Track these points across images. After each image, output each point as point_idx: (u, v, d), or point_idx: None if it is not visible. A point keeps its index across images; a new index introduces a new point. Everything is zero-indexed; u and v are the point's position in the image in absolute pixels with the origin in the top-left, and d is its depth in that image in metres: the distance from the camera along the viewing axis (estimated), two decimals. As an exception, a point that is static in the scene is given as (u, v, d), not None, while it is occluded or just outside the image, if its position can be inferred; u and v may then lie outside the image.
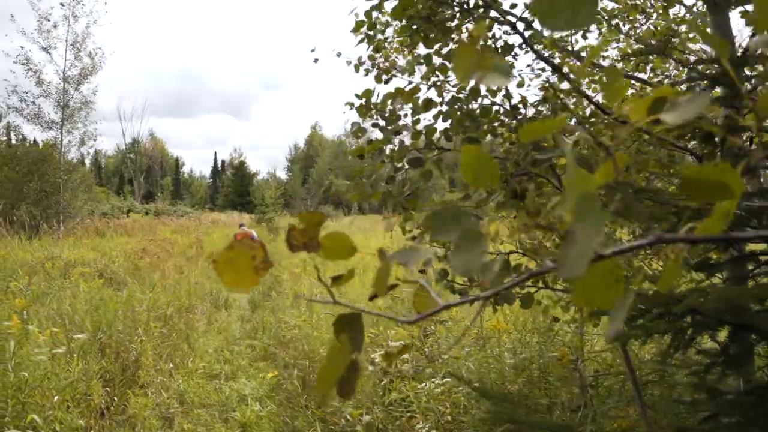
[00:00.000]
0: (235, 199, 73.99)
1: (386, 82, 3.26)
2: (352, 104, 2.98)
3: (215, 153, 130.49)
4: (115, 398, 4.61)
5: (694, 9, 3.69)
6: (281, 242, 17.25)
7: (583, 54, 3.62)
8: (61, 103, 18.08)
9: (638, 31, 4.11)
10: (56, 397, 3.75)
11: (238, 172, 79.94)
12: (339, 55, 3.95)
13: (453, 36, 3.01)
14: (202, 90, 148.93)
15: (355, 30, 3.35)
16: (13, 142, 24.17)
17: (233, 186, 77.27)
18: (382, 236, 20.62)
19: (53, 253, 10.05)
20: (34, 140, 18.58)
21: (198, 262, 12.31)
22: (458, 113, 2.72)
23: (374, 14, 3.23)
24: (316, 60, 4.02)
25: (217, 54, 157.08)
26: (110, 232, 17.99)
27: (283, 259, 13.09)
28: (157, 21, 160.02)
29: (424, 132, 2.76)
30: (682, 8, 3.88)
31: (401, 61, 3.50)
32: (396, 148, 2.81)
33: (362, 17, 3.25)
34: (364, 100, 2.89)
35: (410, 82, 3.02)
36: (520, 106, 2.81)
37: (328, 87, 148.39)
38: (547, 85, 3.21)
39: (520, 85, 3.26)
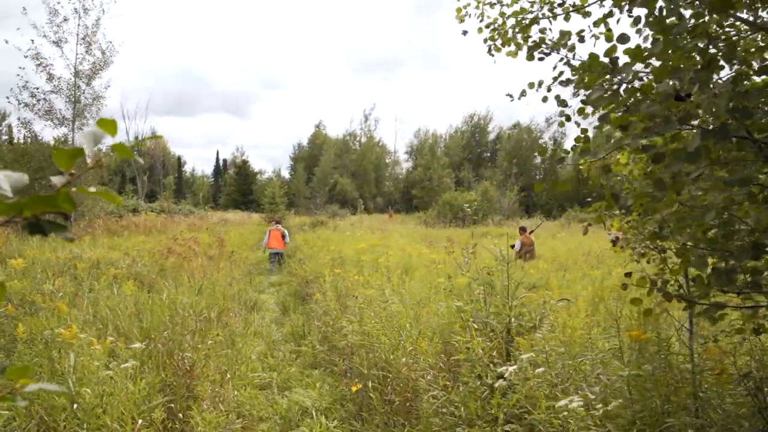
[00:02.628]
0: (238, 198, 73.60)
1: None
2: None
3: (217, 152, 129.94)
4: (180, 414, 4.17)
5: None
6: (306, 241, 16.81)
7: None
8: (73, 99, 17.66)
9: None
10: (140, 421, 3.31)
11: (240, 171, 79.49)
12: (465, 33, 3.54)
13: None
14: (202, 89, 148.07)
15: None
16: (16, 139, 23.77)
17: (236, 185, 76.83)
18: (399, 235, 20.25)
19: (75, 253, 9.60)
20: (35, 136, 17.92)
21: (220, 262, 11.86)
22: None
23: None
24: (464, 32, 3.66)
25: (218, 53, 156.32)
26: (124, 231, 17.56)
27: (309, 260, 12.65)
28: (158, 20, 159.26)
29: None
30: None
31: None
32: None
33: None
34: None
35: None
36: None
37: (329, 86, 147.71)
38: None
39: None
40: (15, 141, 23.78)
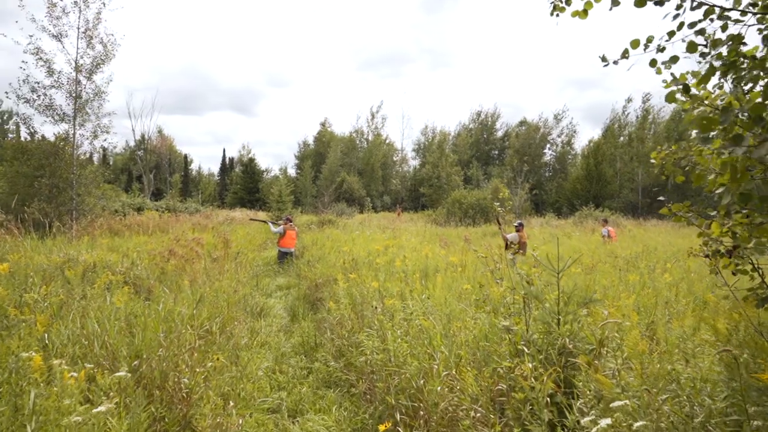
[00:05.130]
0: (244, 196, 73.11)
1: None
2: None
3: (224, 150, 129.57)
4: (172, 459, 3.49)
5: None
6: (315, 241, 16.16)
7: None
8: (74, 94, 17.05)
9: None
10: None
11: (247, 169, 79.01)
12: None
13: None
14: (208, 87, 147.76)
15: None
16: (20, 136, 23.26)
17: (242, 183, 76.32)
18: (410, 234, 19.53)
19: (70, 255, 8.94)
20: (35, 132, 17.32)
21: (225, 263, 11.19)
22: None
23: None
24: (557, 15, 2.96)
25: (224, 51, 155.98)
26: (126, 230, 16.93)
27: (319, 261, 11.97)
28: (164, 19, 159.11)
29: None
30: None
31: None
32: None
33: None
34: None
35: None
36: None
37: (335, 84, 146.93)
38: None
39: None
40: (19, 138, 23.32)
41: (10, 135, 49.91)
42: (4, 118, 59.06)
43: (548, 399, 3.18)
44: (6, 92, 17.06)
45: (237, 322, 7.08)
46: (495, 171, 71.43)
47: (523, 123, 78.32)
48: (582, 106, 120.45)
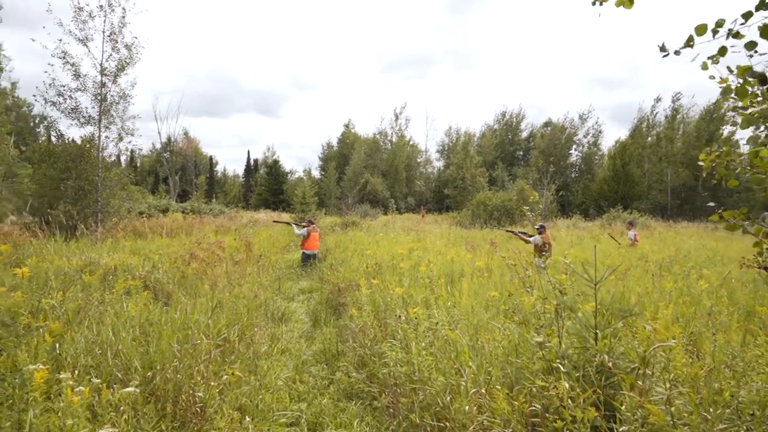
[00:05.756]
0: (269, 197, 73.44)
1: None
2: None
3: (248, 152, 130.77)
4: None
5: None
6: (338, 243, 15.98)
7: None
8: (99, 97, 17.17)
9: None
10: None
11: (271, 170, 79.40)
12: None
13: None
14: (234, 90, 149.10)
15: None
16: (50, 139, 23.59)
17: (267, 184, 76.69)
18: (435, 237, 19.24)
19: (92, 259, 8.88)
20: (72, 139, 17.57)
21: (247, 267, 11.06)
22: None
23: None
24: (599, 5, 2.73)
25: (249, 54, 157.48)
26: (150, 232, 16.96)
27: (342, 265, 11.76)
28: (190, 23, 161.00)
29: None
30: None
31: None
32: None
33: None
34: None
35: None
36: None
37: (358, 86, 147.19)
38: None
39: None
40: (49, 142, 23.76)
41: (42, 138, 50.78)
42: (36, 121, 60.17)
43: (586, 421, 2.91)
44: (34, 95, 17.28)
45: (257, 329, 6.90)
46: (520, 172, 70.67)
47: (548, 123, 77.37)
48: (608, 105, 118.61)
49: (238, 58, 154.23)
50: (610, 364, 3.34)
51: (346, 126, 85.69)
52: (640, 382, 3.04)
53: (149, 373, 4.15)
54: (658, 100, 64.31)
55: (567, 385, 3.03)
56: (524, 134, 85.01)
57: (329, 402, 5.18)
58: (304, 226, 14.90)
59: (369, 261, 10.69)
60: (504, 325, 4.65)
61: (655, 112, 62.68)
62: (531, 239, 11.74)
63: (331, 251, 15.53)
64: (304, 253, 14.51)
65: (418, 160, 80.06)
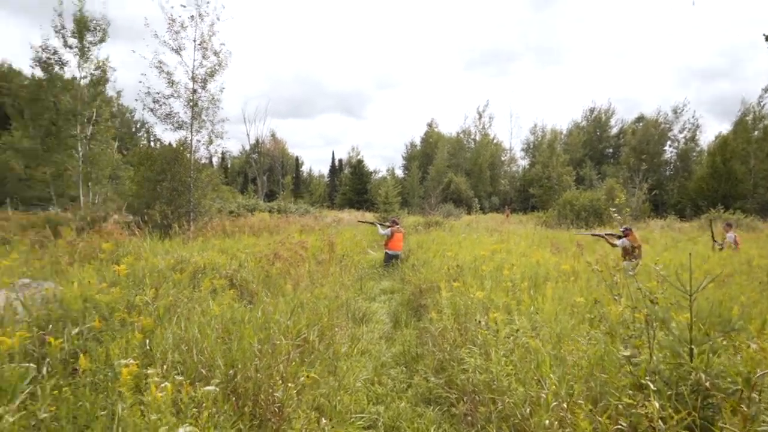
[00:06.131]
0: (353, 197, 74.60)
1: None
2: None
3: (333, 152, 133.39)
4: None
5: None
6: (420, 244, 15.95)
7: None
8: (191, 102, 18.07)
9: None
10: None
11: (355, 170, 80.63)
12: None
13: None
14: (318, 92, 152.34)
15: None
16: (149, 143, 25.25)
17: (351, 184, 77.96)
18: (519, 237, 18.79)
19: (182, 257, 9.31)
20: (170, 143, 18.69)
21: (330, 267, 11.22)
22: None
23: None
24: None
25: (333, 56, 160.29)
26: (238, 232, 17.61)
27: (424, 266, 11.70)
28: (276, 29, 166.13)
29: None
30: None
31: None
32: None
33: None
34: None
35: None
36: None
37: (441, 84, 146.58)
38: None
39: None
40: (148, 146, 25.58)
41: (141, 143, 54.10)
42: (137, 127, 64.18)
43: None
44: (136, 99, 18.45)
45: (338, 329, 6.97)
46: (609, 170, 67.77)
47: (640, 119, 73.80)
48: (706, 99, 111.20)
49: (323, 60, 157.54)
50: (707, 384, 3.08)
51: (429, 125, 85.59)
52: (744, 407, 2.78)
53: (231, 372, 4.27)
54: (767, 90, 58.97)
55: (657, 405, 2.83)
56: (614, 131, 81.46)
57: (407, 406, 5.13)
58: (388, 226, 14.96)
59: (450, 263, 10.56)
60: (589, 334, 4.42)
61: (762, 104, 57.53)
62: (618, 242, 11.08)
63: (413, 251, 15.50)
64: (387, 253, 14.56)
65: (502, 158, 78.68)
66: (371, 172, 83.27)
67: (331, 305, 7.41)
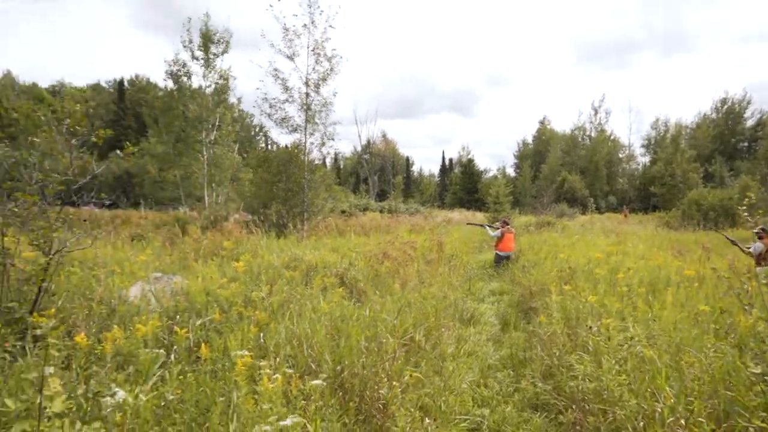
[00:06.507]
0: (463, 196, 74.21)
1: None
2: None
3: (443, 152, 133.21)
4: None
5: None
6: (531, 245, 15.59)
7: None
8: (304, 107, 18.85)
9: None
10: None
11: (465, 169, 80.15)
12: None
13: None
14: (428, 91, 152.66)
15: None
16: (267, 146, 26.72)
17: (461, 184, 77.60)
18: (638, 239, 17.77)
19: (296, 255, 9.73)
20: (286, 145, 19.68)
21: (438, 267, 11.25)
22: None
23: None
24: None
25: (443, 55, 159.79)
26: (349, 231, 18.10)
27: (534, 267, 11.42)
28: (386, 31, 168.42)
29: None
30: None
31: None
32: None
33: None
34: None
35: None
36: None
37: (554, 79, 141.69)
38: None
39: None
40: (266, 149, 27.23)
41: (259, 146, 57.14)
42: (255, 131, 67.80)
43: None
44: (253, 106, 19.65)
45: (444, 329, 6.97)
46: (744, 166, 62.15)
47: (782, 109, 67.02)
48: None
49: (432, 60, 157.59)
50: None
51: (542, 122, 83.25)
52: None
53: (338, 367, 4.41)
54: None
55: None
56: (750, 122, 74.53)
57: (513, 410, 5.04)
58: (497, 228, 14.73)
59: (562, 264, 10.23)
60: (713, 346, 4.10)
61: None
62: (751, 248, 9.99)
63: (523, 253, 15.16)
64: (497, 254, 14.34)
65: (620, 155, 74.74)
66: (482, 171, 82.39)
67: (438, 305, 7.42)
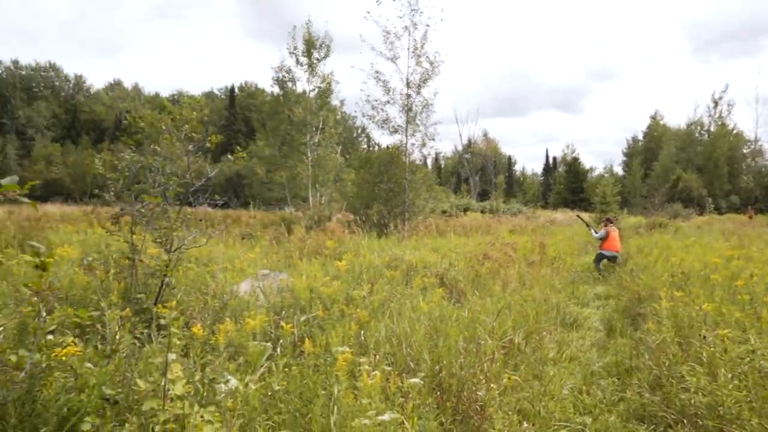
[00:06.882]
0: (568, 196, 71.94)
1: None
2: None
3: (546, 150, 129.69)
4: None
5: None
6: (640, 248, 14.86)
7: None
8: (405, 108, 19.07)
9: None
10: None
11: (570, 168, 77.59)
12: None
13: None
14: (530, 88, 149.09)
15: None
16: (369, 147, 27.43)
17: (565, 183, 75.25)
18: (763, 243, 16.37)
19: (396, 255, 9.89)
20: (387, 146, 20.07)
21: (541, 269, 11.00)
22: None
23: None
24: None
25: (546, 50, 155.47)
26: (449, 231, 18.09)
27: (644, 271, 10.87)
28: (486, 28, 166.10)
29: None
30: None
31: None
32: None
33: None
34: None
35: None
36: None
37: (666, 72, 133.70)
38: None
39: None
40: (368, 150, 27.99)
41: (361, 147, 58.34)
42: (357, 132, 69.28)
43: None
44: (354, 111, 20.24)
45: (545, 333, 6.82)
46: None
47: None
48: None
49: (535, 55, 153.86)
50: None
51: (653, 117, 78.70)
52: None
53: (436, 367, 4.46)
54: None
55: None
56: None
57: (617, 420, 4.84)
58: (603, 227, 14.14)
59: (675, 269, 9.66)
60: None
61: None
62: None
63: (632, 255, 14.45)
64: (602, 253, 13.74)
65: (744, 151, 69.08)
66: (587, 170, 79.29)
67: (539, 308, 7.28)
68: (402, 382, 3.70)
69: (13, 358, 2.80)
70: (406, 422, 3.39)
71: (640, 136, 79.49)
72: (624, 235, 20.33)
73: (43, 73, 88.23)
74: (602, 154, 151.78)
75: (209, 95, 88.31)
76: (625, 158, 79.35)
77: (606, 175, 65.56)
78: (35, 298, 3.08)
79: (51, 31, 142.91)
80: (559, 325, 7.90)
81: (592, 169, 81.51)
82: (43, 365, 2.95)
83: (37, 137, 75.76)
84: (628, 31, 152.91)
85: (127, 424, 2.76)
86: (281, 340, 4.85)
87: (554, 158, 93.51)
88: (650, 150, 72.62)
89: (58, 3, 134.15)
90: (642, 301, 8.82)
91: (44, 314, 3.06)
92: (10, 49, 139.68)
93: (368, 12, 19.10)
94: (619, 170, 76.92)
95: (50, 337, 3.03)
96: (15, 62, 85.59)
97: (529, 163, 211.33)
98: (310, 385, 3.77)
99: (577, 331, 7.99)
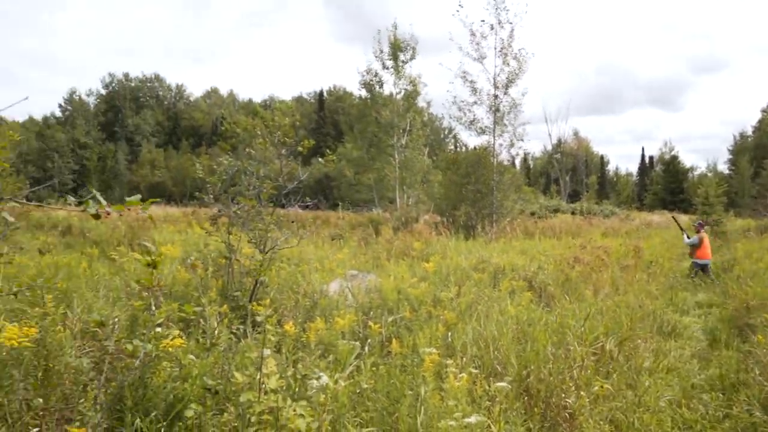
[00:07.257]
0: (666, 197, 68.25)
1: None
2: None
3: (642, 149, 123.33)
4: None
5: None
6: (749, 253, 13.88)
7: None
8: (492, 108, 18.84)
9: None
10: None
11: (668, 168, 73.58)
12: None
13: None
14: (625, 83, 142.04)
15: None
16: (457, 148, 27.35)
17: (663, 183, 71.41)
18: None
19: (484, 257, 9.81)
20: (475, 147, 19.96)
21: (636, 273, 10.53)
22: None
23: None
24: None
25: (642, 43, 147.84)
26: (538, 233, 17.67)
27: (753, 278, 10.16)
28: (575, 21, 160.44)
29: None
30: None
31: None
32: None
33: None
34: None
35: None
36: None
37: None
38: None
39: None
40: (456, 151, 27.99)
41: (448, 148, 58.07)
42: (444, 133, 69.01)
43: None
44: (441, 114, 20.25)
45: (640, 341, 6.53)
46: None
47: None
48: None
49: (630, 49, 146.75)
50: None
51: (764, 111, 72.92)
52: None
53: (524, 372, 4.40)
54: None
55: None
56: None
57: (717, 435, 4.57)
58: (695, 232, 13.20)
59: (789, 276, 8.97)
60: None
61: None
62: None
63: (738, 261, 13.51)
64: (695, 262, 12.84)
65: None
66: (688, 169, 74.86)
67: (633, 314, 6.98)
68: (489, 386, 3.68)
69: (129, 347, 3.05)
70: (492, 426, 3.37)
71: (749, 132, 74.05)
72: (731, 238, 19.05)
73: (149, 84, 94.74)
74: (704, 152, 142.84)
75: (299, 99, 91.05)
76: (731, 155, 74.19)
77: (709, 174, 61.66)
78: (146, 293, 3.34)
79: (156, 45, 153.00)
80: (655, 333, 7.52)
81: (692, 168, 76.94)
82: (153, 355, 3.21)
83: (143, 143, 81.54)
84: (737, 19, 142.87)
85: (225, 413, 2.96)
86: (369, 340, 4.96)
87: (650, 157, 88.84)
88: (762, 146, 67.26)
89: (159, 21, 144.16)
90: (751, 311, 8.24)
91: (153, 308, 3.30)
92: (122, 66, 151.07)
93: (460, 6, 18.91)
94: (724, 168, 72.09)
95: (158, 329, 3.27)
96: (126, 75, 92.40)
97: (624, 162, 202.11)
98: (397, 385, 3.83)
99: (676, 340, 7.59)
